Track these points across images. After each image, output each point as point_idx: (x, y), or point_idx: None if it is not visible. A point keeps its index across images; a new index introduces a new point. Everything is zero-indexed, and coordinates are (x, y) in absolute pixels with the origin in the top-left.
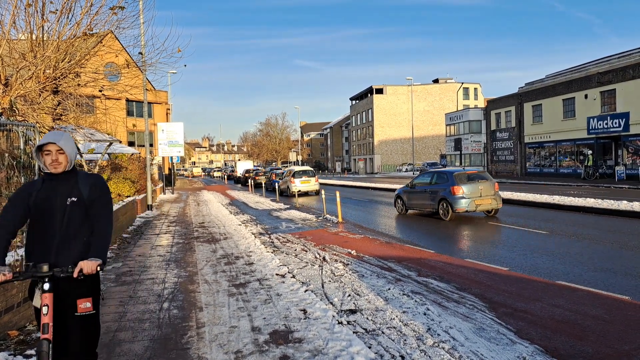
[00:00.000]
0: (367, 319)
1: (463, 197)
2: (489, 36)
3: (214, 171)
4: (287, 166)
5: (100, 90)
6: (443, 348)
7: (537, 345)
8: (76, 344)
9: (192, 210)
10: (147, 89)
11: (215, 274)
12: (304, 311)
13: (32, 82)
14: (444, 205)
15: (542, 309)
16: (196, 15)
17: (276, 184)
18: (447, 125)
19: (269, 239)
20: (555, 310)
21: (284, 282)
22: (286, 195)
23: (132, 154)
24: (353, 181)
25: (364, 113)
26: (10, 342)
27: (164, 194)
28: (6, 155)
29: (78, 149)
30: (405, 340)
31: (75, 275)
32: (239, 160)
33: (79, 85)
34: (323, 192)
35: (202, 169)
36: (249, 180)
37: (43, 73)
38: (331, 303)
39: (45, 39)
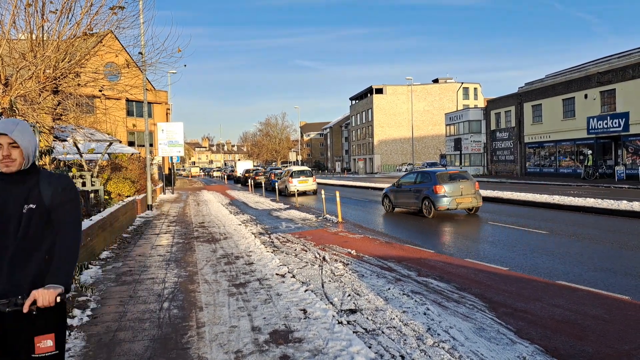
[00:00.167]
0: (367, 318)
1: (445, 196)
2: (489, 36)
3: (214, 171)
4: (286, 166)
5: (100, 90)
6: (443, 348)
7: (537, 345)
8: None
9: (192, 210)
10: (147, 89)
11: (215, 274)
12: (304, 311)
13: (32, 82)
14: (427, 203)
15: (542, 308)
16: (196, 15)
17: (275, 184)
18: (446, 125)
19: (268, 238)
20: (555, 310)
21: (284, 281)
22: (285, 195)
23: (132, 154)
24: (353, 181)
25: (363, 113)
26: None
27: (164, 193)
28: None
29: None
30: (405, 340)
31: (25, 310)
32: (239, 160)
33: (79, 85)
34: (323, 191)
35: (200, 168)
36: (249, 180)
37: (43, 73)
38: (331, 303)
39: (45, 38)
